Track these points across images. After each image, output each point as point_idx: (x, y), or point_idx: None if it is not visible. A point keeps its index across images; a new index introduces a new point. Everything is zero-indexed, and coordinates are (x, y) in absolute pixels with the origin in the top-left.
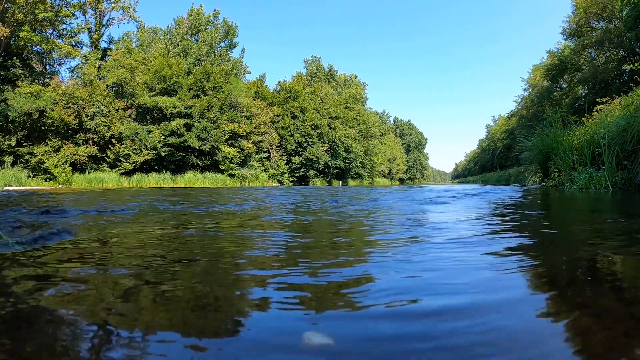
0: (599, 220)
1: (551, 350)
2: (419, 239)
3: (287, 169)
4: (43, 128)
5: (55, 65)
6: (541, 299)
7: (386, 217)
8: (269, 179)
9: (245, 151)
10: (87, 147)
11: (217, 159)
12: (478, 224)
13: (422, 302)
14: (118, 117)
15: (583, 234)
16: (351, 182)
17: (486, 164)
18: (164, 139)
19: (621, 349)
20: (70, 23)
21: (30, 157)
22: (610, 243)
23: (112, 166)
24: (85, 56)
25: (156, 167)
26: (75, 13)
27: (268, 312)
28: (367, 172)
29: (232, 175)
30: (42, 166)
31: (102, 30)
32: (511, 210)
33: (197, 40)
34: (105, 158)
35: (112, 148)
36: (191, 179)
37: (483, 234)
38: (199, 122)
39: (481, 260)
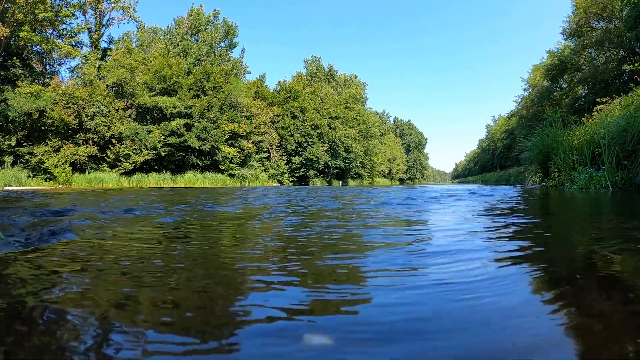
0: (599, 221)
1: None
2: (417, 267)
3: (287, 169)
4: (43, 128)
5: (55, 65)
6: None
7: (378, 231)
8: (269, 179)
9: (245, 151)
10: (87, 147)
11: (217, 159)
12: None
13: None
14: (118, 117)
15: (584, 235)
16: (351, 182)
17: (486, 164)
18: (164, 139)
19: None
20: (70, 23)
21: (30, 157)
22: (612, 243)
23: (112, 166)
24: (85, 56)
25: (156, 167)
26: (75, 13)
27: (268, 312)
28: (367, 172)
29: (232, 175)
30: (42, 166)
31: (102, 30)
32: (511, 213)
33: (197, 40)
34: (105, 158)
35: (112, 148)
36: (191, 179)
37: (487, 255)
38: (199, 122)
39: (486, 294)
